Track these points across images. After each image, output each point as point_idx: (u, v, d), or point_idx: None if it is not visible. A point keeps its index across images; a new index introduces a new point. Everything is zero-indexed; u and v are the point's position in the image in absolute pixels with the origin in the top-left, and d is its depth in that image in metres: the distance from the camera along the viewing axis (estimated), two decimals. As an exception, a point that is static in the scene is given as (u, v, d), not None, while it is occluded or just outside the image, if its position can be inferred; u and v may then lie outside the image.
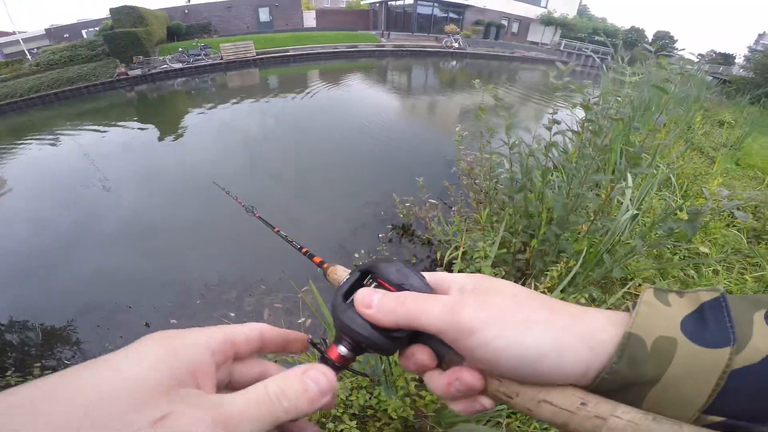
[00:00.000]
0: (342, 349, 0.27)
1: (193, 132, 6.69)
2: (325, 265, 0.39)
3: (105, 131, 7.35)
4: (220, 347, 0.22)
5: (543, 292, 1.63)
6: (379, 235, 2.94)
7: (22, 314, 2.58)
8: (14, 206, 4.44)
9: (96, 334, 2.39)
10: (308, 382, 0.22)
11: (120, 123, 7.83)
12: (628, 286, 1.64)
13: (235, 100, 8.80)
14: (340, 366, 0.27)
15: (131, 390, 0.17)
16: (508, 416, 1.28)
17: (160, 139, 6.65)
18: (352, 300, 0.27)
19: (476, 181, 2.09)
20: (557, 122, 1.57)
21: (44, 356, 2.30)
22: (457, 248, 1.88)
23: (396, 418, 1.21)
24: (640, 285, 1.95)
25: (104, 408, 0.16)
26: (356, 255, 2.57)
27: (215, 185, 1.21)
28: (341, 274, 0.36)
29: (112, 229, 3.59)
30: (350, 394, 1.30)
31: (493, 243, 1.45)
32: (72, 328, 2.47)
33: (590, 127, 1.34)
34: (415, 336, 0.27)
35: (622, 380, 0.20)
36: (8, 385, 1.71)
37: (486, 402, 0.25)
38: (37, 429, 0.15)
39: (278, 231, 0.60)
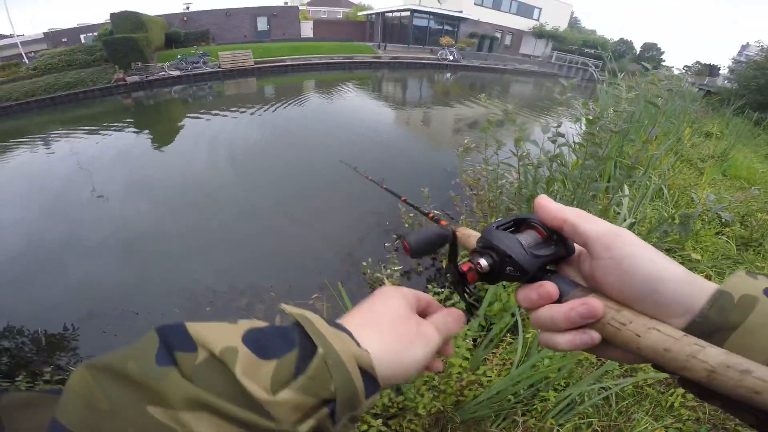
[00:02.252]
0: (483, 262, 0.33)
1: (191, 140, 6.67)
2: (453, 227, 0.44)
3: (102, 137, 7.33)
4: (417, 298, 0.35)
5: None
6: (386, 244, 3.00)
7: (25, 321, 2.56)
8: (12, 213, 4.39)
9: (103, 340, 2.38)
10: (454, 315, 0.35)
11: (118, 130, 7.82)
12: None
13: (234, 109, 8.83)
14: (469, 278, 0.34)
15: (402, 311, 0.31)
16: (524, 414, 1.34)
17: (160, 146, 6.67)
18: (508, 230, 0.34)
19: (481, 192, 2.17)
20: (561, 135, 1.68)
21: (51, 361, 2.29)
22: (465, 257, 1.96)
23: (424, 415, 1.26)
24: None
25: (400, 318, 0.31)
26: (364, 263, 2.64)
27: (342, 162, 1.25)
28: (470, 232, 0.42)
29: (109, 237, 3.58)
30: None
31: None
32: (77, 335, 2.46)
33: (594, 140, 1.44)
34: (541, 276, 0.32)
35: (710, 325, 0.25)
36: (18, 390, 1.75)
37: (594, 335, 0.28)
38: (383, 326, 0.29)
39: (405, 199, 0.66)
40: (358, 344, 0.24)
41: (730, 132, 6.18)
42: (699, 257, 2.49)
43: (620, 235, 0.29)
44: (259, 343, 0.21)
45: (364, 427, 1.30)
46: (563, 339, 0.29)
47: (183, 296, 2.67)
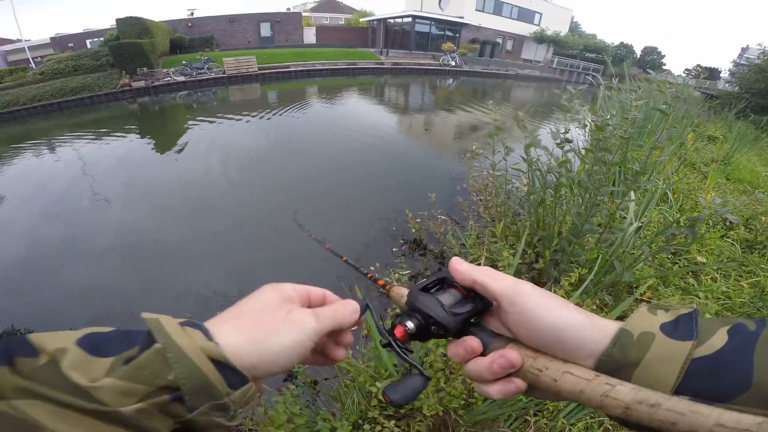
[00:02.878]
0: (410, 325, 0.35)
1: (197, 146, 6.73)
2: (387, 287, 0.47)
3: (107, 143, 7.42)
4: (301, 290, 0.35)
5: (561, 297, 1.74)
6: (393, 249, 3.03)
7: (32, 325, 2.60)
8: (19, 218, 4.44)
9: None
10: (348, 306, 0.36)
11: (123, 135, 7.91)
12: (636, 294, 1.76)
13: (238, 116, 8.90)
14: (401, 339, 0.36)
15: (272, 302, 0.32)
16: (535, 414, 1.37)
17: (165, 152, 6.73)
18: (429, 291, 0.37)
19: (488, 198, 2.21)
20: (569, 141, 1.71)
21: None
22: (475, 260, 1.99)
23: (428, 416, 1.28)
24: (646, 292, 2.08)
25: (267, 308, 0.31)
26: (372, 268, 2.66)
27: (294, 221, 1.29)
28: (402, 291, 0.44)
29: (116, 242, 3.62)
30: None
31: (516, 253, 1.57)
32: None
33: (602, 145, 1.48)
34: (465, 330, 0.35)
35: (615, 362, 0.27)
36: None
37: (519, 383, 0.31)
38: (244, 317, 0.30)
39: (346, 260, 0.68)
40: (209, 338, 0.25)
41: (733, 136, 6.20)
42: (704, 260, 2.52)
43: (522, 292, 0.32)
44: (93, 344, 0.23)
45: (378, 428, 1.32)
46: (493, 389, 0.32)
47: (193, 300, 2.70)
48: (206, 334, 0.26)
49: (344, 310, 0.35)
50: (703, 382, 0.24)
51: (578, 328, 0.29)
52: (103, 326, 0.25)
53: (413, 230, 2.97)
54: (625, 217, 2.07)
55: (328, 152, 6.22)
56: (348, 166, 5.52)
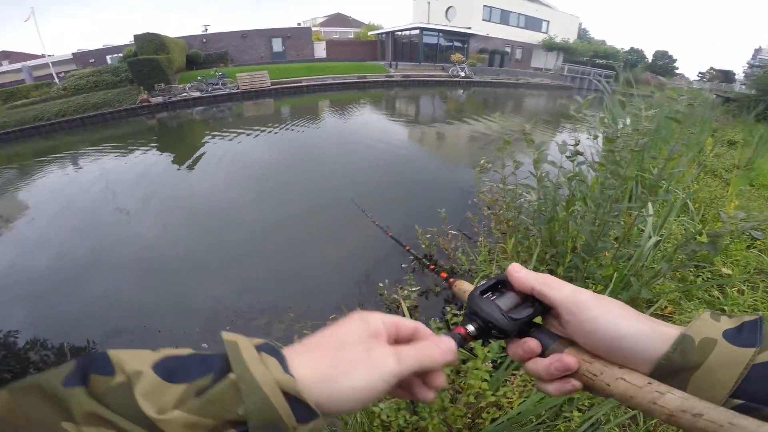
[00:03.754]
0: (470, 328, 0.36)
1: (212, 161, 6.88)
2: (451, 280, 0.49)
3: (128, 158, 7.67)
4: (389, 323, 0.33)
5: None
6: (402, 265, 3.00)
7: (51, 335, 2.65)
8: (38, 231, 4.57)
9: None
10: (440, 346, 0.33)
11: (143, 151, 8.16)
12: (653, 307, 1.68)
13: (253, 130, 9.11)
14: (463, 339, 0.36)
15: (355, 335, 0.30)
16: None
17: (182, 167, 6.91)
18: (488, 295, 0.38)
19: (500, 212, 2.17)
20: (580, 153, 1.67)
21: None
22: (485, 277, 1.95)
23: None
24: (666, 307, 1.99)
25: (347, 342, 0.29)
26: (380, 284, 2.64)
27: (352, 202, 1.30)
28: (467, 286, 0.46)
29: (132, 256, 3.69)
30: (389, 416, 1.35)
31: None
32: (101, 350, 2.54)
33: (615, 158, 1.43)
34: (525, 331, 0.36)
35: (674, 366, 0.28)
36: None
37: (575, 383, 0.33)
38: (322, 350, 0.29)
39: (408, 249, 0.70)
40: (286, 369, 0.25)
41: (754, 140, 5.98)
42: (730, 272, 2.39)
43: (581, 301, 0.33)
44: (168, 369, 0.23)
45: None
46: (551, 387, 0.34)
47: (204, 315, 2.72)
48: (282, 363, 0.25)
49: (433, 350, 0.32)
50: (761, 387, 0.24)
51: (638, 336, 0.30)
52: (151, 337, 0.25)
53: (423, 246, 2.94)
54: (643, 230, 1.99)
55: (337, 166, 6.27)
56: (357, 180, 5.55)
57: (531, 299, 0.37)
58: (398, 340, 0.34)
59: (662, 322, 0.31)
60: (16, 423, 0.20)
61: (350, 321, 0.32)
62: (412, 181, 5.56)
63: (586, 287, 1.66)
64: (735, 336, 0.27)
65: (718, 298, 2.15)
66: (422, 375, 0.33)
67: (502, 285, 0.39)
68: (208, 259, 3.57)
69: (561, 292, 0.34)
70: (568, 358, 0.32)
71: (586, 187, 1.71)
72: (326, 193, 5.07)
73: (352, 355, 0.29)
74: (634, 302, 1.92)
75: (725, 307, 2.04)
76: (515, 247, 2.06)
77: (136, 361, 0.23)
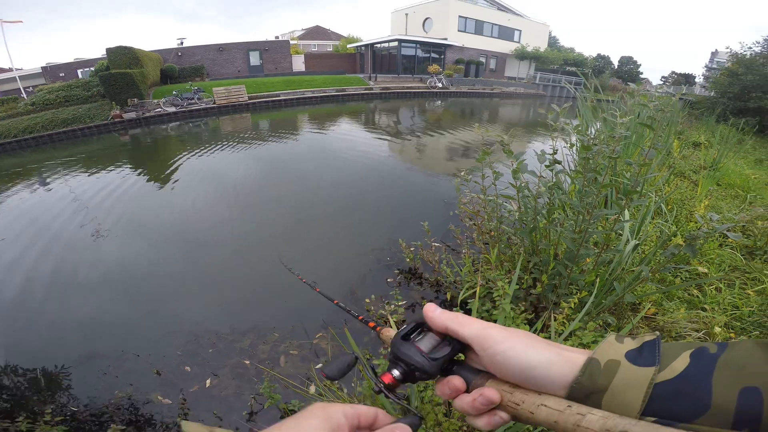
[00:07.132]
0: (395, 373, 0.37)
1: (187, 179, 6.68)
2: (378, 329, 0.51)
3: (99, 176, 7.36)
4: (351, 415, 0.32)
5: (562, 323, 1.68)
6: (388, 280, 2.96)
7: (24, 361, 2.51)
8: (9, 252, 4.31)
9: (103, 381, 2.30)
10: (394, 429, 0.33)
11: (115, 169, 7.86)
12: (640, 315, 1.70)
13: (229, 147, 8.95)
14: (389, 388, 0.37)
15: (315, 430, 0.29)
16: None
17: (156, 185, 6.69)
18: (410, 339, 0.38)
19: (482, 223, 2.17)
20: (558, 162, 1.69)
21: (53, 401, 2.20)
22: (470, 288, 1.93)
23: None
24: (650, 308, 2.02)
25: None
26: (367, 300, 2.60)
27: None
28: (390, 332, 0.48)
29: (106, 278, 3.52)
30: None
31: (510, 281, 1.51)
32: (77, 375, 2.38)
33: (590, 165, 1.45)
34: (449, 369, 0.37)
35: (585, 390, 0.29)
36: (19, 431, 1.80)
37: (504, 415, 0.33)
38: None
39: (337, 303, 0.70)
40: None
41: (716, 140, 6.32)
42: (706, 270, 2.47)
43: (489, 336, 0.34)
44: None
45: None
46: (481, 422, 0.34)
47: (184, 338, 2.60)
48: None
49: None
50: (666, 405, 0.25)
51: (547, 365, 0.31)
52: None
53: (408, 260, 2.91)
54: (620, 235, 2.03)
55: (319, 181, 6.21)
56: (340, 195, 5.50)
57: (449, 339, 0.38)
58: (359, 427, 0.34)
59: (571, 348, 0.33)
60: None
61: (310, 414, 0.31)
62: (396, 193, 5.55)
63: (571, 293, 1.66)
64: (636, 357, 0.29)
65: (698, 296, 2.21)
66: None
67: (421, 327, 0.40)
68: (184, 280, 3.42)
69: (471, 329, 0.35)
70: (489, 391, 0.33)
71: (565, 195, 1.73)
72: (305, 208, 5.00)
73: None
74: (619, 305, 1.94)
75: (705, 306, 2.09)
76: (498, 257, 2.06)
77: None
